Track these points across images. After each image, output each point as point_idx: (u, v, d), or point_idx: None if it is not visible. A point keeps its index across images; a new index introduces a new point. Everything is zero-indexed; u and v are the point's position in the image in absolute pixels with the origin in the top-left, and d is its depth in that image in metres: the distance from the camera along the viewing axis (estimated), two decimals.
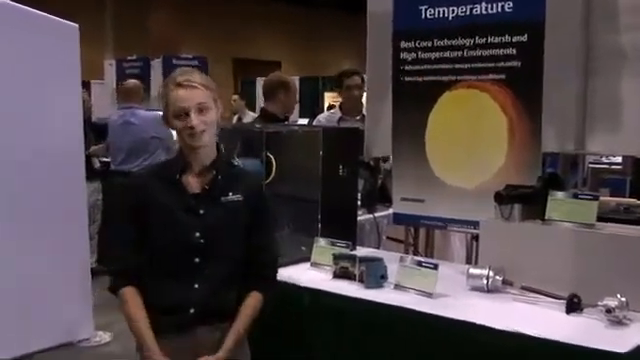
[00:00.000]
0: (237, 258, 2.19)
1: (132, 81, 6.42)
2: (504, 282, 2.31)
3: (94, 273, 4.27)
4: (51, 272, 3.88)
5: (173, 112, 2.12)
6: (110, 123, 6.21)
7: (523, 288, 2.25)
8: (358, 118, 4.62)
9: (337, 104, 5.29)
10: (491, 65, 2.77)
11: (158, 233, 2.13)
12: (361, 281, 2.43)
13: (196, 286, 2.12)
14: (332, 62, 14.49)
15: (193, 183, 2.17)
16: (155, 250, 2.14)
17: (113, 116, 6.31)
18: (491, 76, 2.77)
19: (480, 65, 2.80)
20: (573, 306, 2.08)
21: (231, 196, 2.17)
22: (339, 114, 4.78)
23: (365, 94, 3.77)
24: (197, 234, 2.12)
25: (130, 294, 2.14)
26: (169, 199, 2.15)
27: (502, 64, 2.73)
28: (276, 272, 2.28)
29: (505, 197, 2.38)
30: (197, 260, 2.13)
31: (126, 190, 2.36)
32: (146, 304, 2.13)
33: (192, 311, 2.11)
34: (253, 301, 2.18)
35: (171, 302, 2.12)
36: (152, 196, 2.15)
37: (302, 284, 2.46)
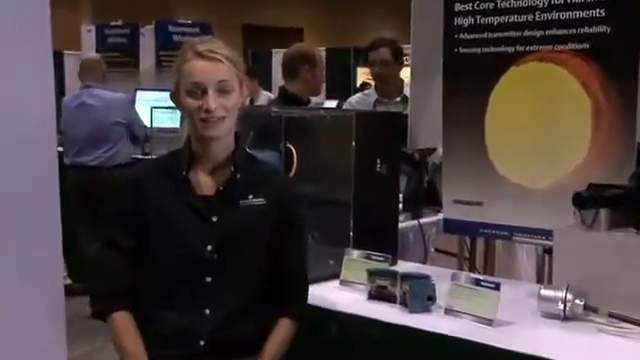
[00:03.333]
0: (259, 277, 2.20)
1: (91, 55, 6.58)
2: (586, 308, 2.29)
3: (68, 292, 4.31)
4: (10, 289, 3.92)
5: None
6: (63, 106, 6.16)
7: (611, 316, 2.24)
8: (398, 100, 4.62)
9: (373, 83, 5.31)
10: (571, 32, 2.74)
11: (159, 246, 2.15)
12: (403, 304, 2.43)
13: (207, 312, 2.14)
14: (367, 30, 14.51)
15: (204, 183, 2.18)
16: (156, 267, 2.16)
17: (66, 97, 6.37)
18: (571, 46, 2.74)
19: (556, 32, 2.78)
20: None
21: (252, 199, 2.18)
22: (375, 96, 4.80)
23: (409, 70, 3.76)
24: (209, 247, 2.14)
25: (123, 320, 2.16)
26: (173, 203, 2.16)
27: (585, 30, 2.71)
28: (307, 294, 2.31)
29: (588, 199, 2.37)
30: (209, 280, 2.15)
31: (118, 191, 2.37)
32: (144, 333, 2.15)
33: (202, 343, 2.13)
34: (283, 328, 2.20)
35: (176, 331, 2.13)
36: (151, 199, 2.17)
37: (329, 307, 2.46)
